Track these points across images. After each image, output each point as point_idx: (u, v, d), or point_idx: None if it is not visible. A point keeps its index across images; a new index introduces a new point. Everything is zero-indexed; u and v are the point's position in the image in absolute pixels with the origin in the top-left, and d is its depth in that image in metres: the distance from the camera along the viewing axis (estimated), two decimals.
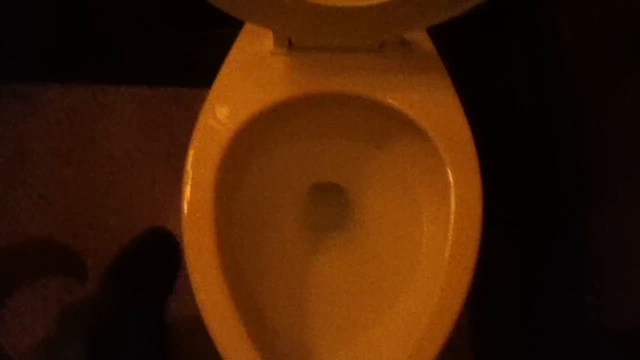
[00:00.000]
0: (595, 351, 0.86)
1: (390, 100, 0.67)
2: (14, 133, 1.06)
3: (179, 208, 1.02)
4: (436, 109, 0.66)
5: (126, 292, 0.93)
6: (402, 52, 0.68)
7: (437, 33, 0.69)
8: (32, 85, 1.09)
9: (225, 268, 0.61)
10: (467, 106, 0.65)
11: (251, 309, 0.65)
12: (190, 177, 0.64)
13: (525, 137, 1.04)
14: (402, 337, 0.63)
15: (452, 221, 0.61)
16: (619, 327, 0.80)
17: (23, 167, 1.05)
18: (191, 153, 0.65)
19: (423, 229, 0.72)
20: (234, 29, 0.71)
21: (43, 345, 0.70)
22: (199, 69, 0.83)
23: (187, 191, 0.64)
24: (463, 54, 0.90)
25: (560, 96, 0.97)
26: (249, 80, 0.68)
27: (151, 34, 1.10)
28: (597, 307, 0.85)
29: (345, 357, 0.72)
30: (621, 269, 0.80)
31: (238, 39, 0.71)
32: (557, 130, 0.98)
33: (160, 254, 1.00)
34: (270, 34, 0.67)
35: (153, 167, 1.06)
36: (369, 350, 0.71)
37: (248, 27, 0.71)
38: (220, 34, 0.72)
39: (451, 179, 0.62)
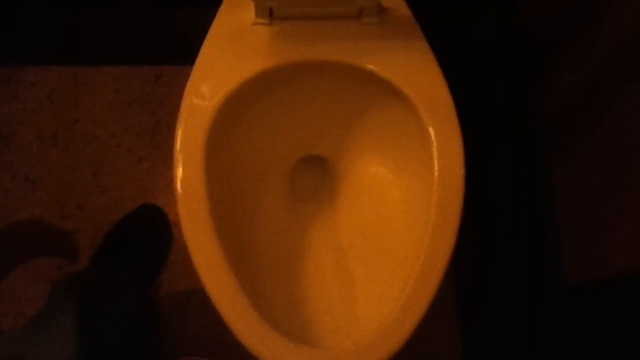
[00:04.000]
0: (570, 304, 0.90)
1: (369, 65, 0.68)
2: None
3: (168, 185, 1.03)
4: (415, 71, 0.67)
5: (118, 262, 0.94)
6: (380, 18, 0.69)
7: None
8: (12, 68, 1.08)
9: (220, 240, 0.62)
10: (444, 67, 0.68)
11: (246, 276, 0.67)
12: (181, 157, 0.65)
13: (497, 95, 1.08)
14: (393, 291, 0.64)
15: (436, 177, 0.63)
16: (591, 278, 0.83)
17: (8, 151, 1.05)
18: (179, 132, 0.66)
19: (409, 188, 0.74)
20: (214, 3, 0.71)
21: (36, 314, 0.70)
22: (180, 46, 0.83)
23: (180, 171, 0.64)
24: (439, 18, 0.92)
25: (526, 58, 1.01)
26: (231, 52, 0.68)
27: (130, 11, 1.10)
28: (571, 261, 0.89)
29: (339, 318, 0.74)
30: (587, 222, 0.83)
31: (219, 12, 0.72)
32: (523, 92, 1.02)
33: (152, 228, 1.01)
34: (251, 5, 0.68)
35: (138, 145, 1.06)
36: (360, 309, 0.74)
37: None
38: (201, 9, 0.72)
39: (433, 138, 0.64)
